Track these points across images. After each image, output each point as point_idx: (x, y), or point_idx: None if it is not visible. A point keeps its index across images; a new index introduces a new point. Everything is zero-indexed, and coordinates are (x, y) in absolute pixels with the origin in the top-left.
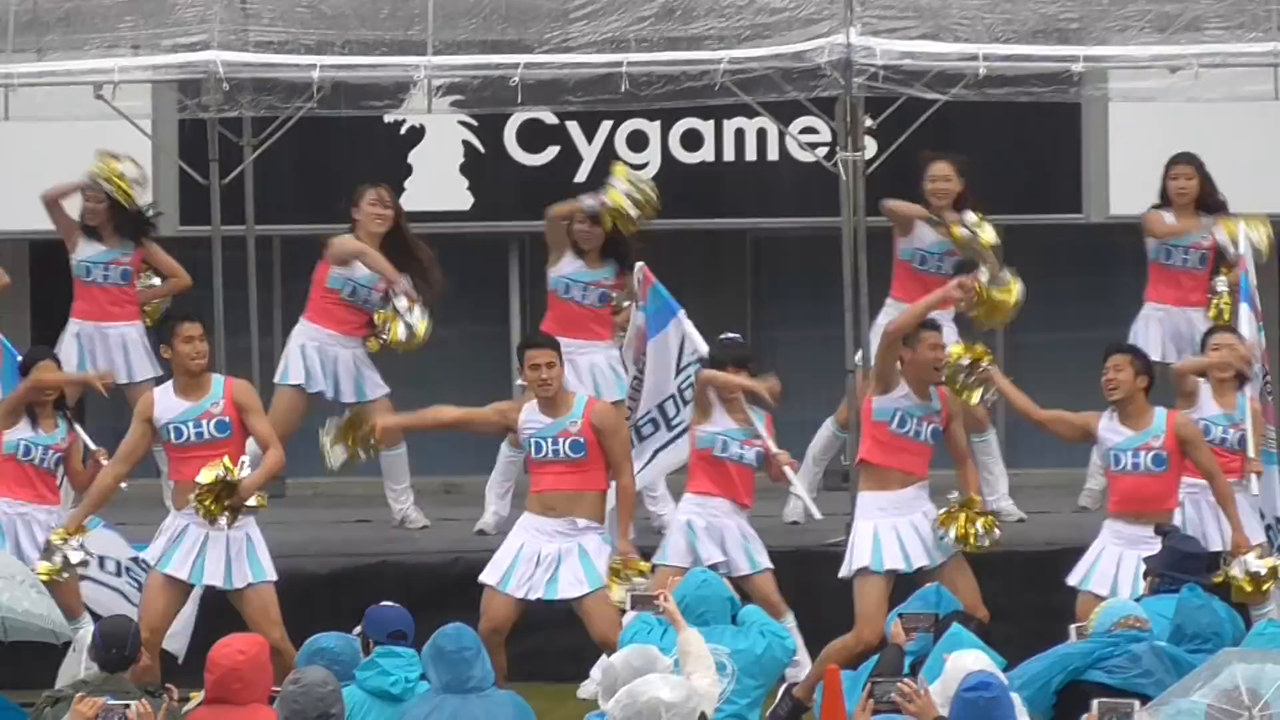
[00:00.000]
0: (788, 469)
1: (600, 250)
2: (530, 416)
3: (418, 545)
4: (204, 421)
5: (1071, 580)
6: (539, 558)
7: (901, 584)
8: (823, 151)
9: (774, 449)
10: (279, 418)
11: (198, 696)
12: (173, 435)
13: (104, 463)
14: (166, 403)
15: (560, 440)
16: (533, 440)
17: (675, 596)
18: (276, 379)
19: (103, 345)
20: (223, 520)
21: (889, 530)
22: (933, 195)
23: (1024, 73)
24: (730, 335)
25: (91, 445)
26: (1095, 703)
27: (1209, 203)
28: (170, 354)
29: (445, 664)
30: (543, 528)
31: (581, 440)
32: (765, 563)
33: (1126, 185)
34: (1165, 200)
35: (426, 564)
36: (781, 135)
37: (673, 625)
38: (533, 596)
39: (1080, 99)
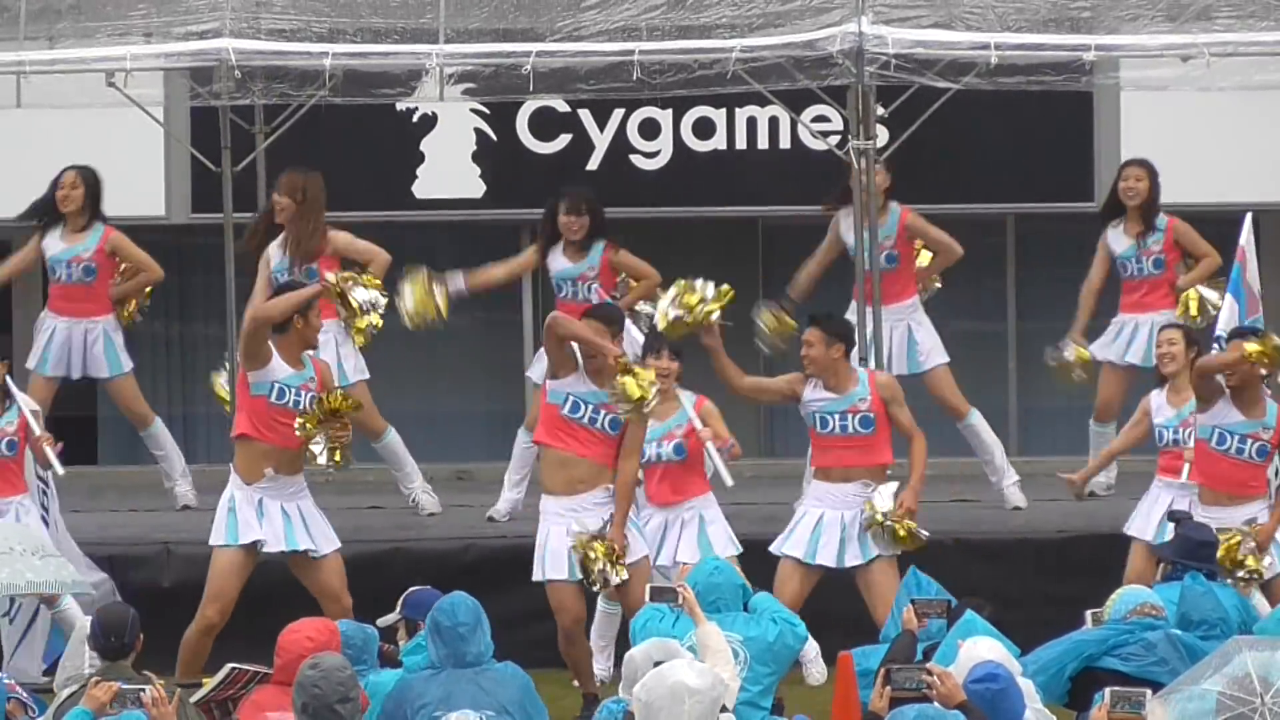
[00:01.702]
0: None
1: (581, 242)
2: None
3: (429, 532)
4: (304, 393)
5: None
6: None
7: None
8: (835, 140)
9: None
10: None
11: (210, 683)
12: (274, 395)
13: (48, 450)
14: (277, 362)
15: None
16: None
17: (687, 584)
18: None
19: (76, 341)
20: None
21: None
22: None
23: (1035, 62)
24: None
25: (37, 428)
26: (1107, 691)
27: (1152, 210)
28: (303, 324)
29: (442, 638)
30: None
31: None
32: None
33: None
34: (1114, 201)
35: (438, 550)
36: (793, 124)
37: (692, 618)
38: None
39: (1092, 88)
